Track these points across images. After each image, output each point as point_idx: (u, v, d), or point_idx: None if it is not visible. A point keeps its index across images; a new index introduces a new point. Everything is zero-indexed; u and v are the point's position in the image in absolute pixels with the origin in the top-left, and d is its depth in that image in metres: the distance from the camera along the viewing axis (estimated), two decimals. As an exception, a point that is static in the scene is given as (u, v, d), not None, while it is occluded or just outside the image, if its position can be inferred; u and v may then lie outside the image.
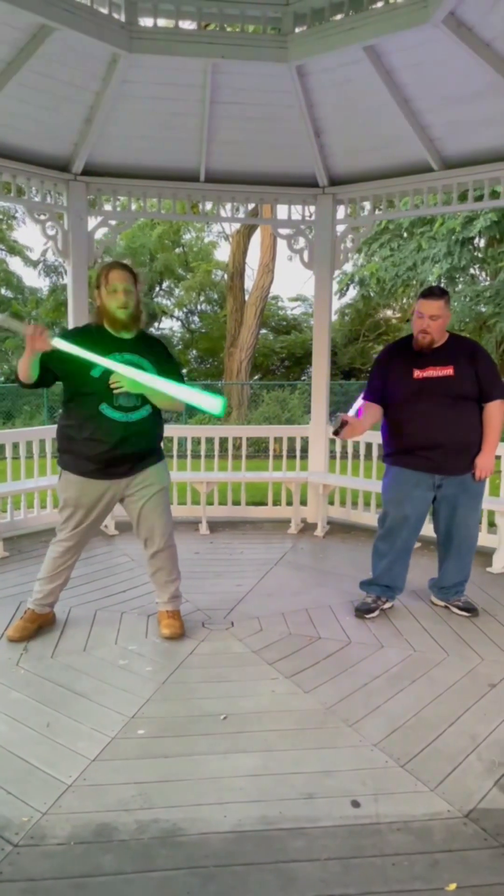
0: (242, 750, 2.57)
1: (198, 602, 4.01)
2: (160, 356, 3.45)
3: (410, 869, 1.98)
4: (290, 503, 5.90)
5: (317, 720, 2.79)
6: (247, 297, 17.28)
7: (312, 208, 5.74)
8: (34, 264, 21.72)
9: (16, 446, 5.41)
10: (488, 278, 15.05)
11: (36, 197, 5.20)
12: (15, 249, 21.40)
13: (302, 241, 5.83)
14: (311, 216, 5.78)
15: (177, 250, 22.96)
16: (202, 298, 23.98)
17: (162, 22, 4.31)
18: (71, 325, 5.19)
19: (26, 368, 3.19)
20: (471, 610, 3.89)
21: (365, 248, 14.76)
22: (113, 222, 5.70)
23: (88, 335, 3.31)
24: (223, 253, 23.11)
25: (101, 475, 3.35)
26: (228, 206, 5.80)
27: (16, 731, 2.66)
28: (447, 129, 4.85)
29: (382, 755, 2.54)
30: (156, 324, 22.42)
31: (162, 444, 3.64)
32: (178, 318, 24.41)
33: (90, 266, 5.63)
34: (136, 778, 2.39)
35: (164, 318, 23.63)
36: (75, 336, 3.33)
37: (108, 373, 3.21)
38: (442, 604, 4.01)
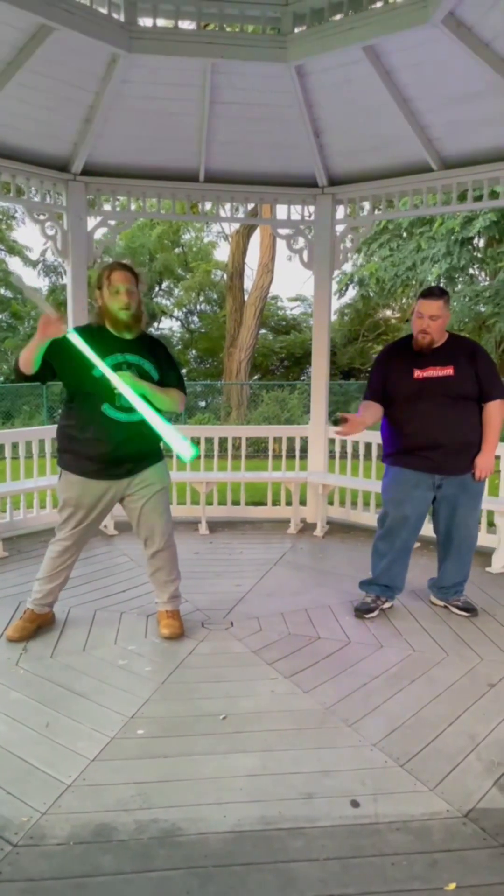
0: (242, 750, 2.57)
1: (197, 602, 4.02)
2: (161, 358, 3.45)
3: (409, 869, 1.98)
4: (289, 503, 5.90)
5: (316, 720, 2.79)
6: (246, 297, 17.29)
7: (312, 208, 5.74)
8: (33, 264, 21.72)
9: (15, 446, 5.41)
10: (488, 278, 15.06)
11: (35, 197, 5.20)
12: (14, 249, 21.39)
13: (301, 241, 5.83)
14: (310, 216, 5.78)
15: (176, 250, 22.97)
16: (201, 298, 23.99)
17: (161, 22, 4.31)
18: (70, 325, 5.18)
19: (31, 356, 3.12)
20: (470, 610, 3.90)
21: (364, 248, 14.76)
22: (112, 222, 5.70)
23: (90, 335, 3.31)
24: (222, 253, 23.14)
25: (101, 475, 3.35)
26: (228, 206, 5.80)
27: (15, 731, 2.66)
28: (446, 129, 4.85)
29: (382, 755, 2.54)
30: (155, 324, 22.43)
31: (162, 445, 3.64)
32: (177, 318, 24.43)
33: (89, 266, 5.63)
34: (136, 778, 2.39)
35: (163, 318, 23.64)
36: (78, 335, 3.33)
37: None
38: (441, 604, 4.01)
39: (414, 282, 14.19)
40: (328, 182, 5.59)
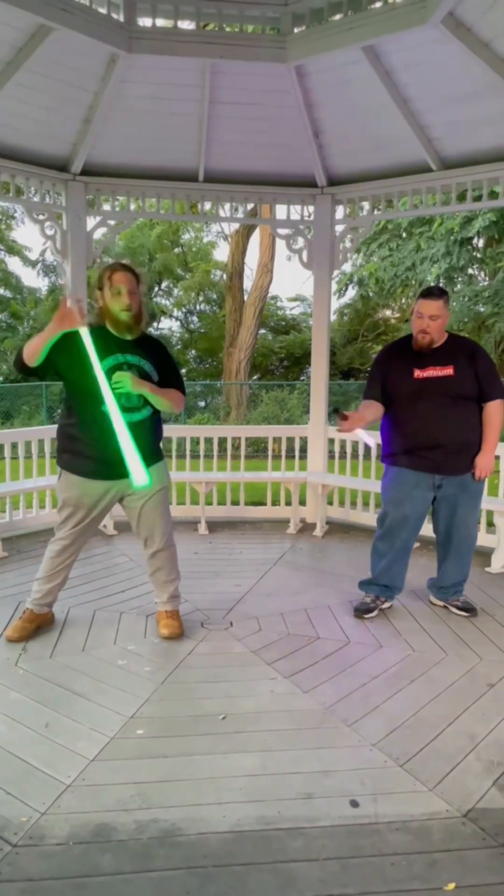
0: (241, 750, 2.57)
1: (197, 602, 4.02)
2: (161, 358, 3.45)
3: (409, 869, 1.98)
4: (288, 503, 5.90)
5: (315, 720, 2.79)
6: (246, 297, 17.28)
7: (311, 208, 5.74)
8: (33, 264, 21.74)
9: (14, 446, 5.41)
10: (487, 278, 15.07)
11: (35, 197, 5.20)
12: (14, 249, 21.40)
13: (301, 241, 5.83)
14: (309, 216, 5.77)
15: (176, 250, 22.98)
16: (201, 298, 24.00)
17: (160, 22, 4.31)
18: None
19: (40, 346, 3.09)
20: (469, 610, 3.90)
21: (364, 248, 14.76)
22: (112, 222, 5.70)
23: (91, 335, 3.30)
24: (222, 253, 23.15)
25: (101, 475, 3.35)
26: (227, 206, 5.80)
27: (15, 731, 2.66)
28: (446, 129, 4.85)
29: (381, 755, 2.54)
30: (155, 324, 22.43)
31: (161, 444, 3.64)
32: (177, 318, 24.43)
33: (89, 266, 5.62)
34: (135, 778, 2.39)
35: (163, 318, 23.64)
36: (79, 336, 3.32)
37: (110, 373, 3.21)
38: (441, 604, 4.01)
39: (413, 282, 14.19)
40: (328, 182, 5.59)
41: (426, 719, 2.79)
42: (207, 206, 5.69)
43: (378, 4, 3.99)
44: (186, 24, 4.42)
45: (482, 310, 13.92)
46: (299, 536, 5.58)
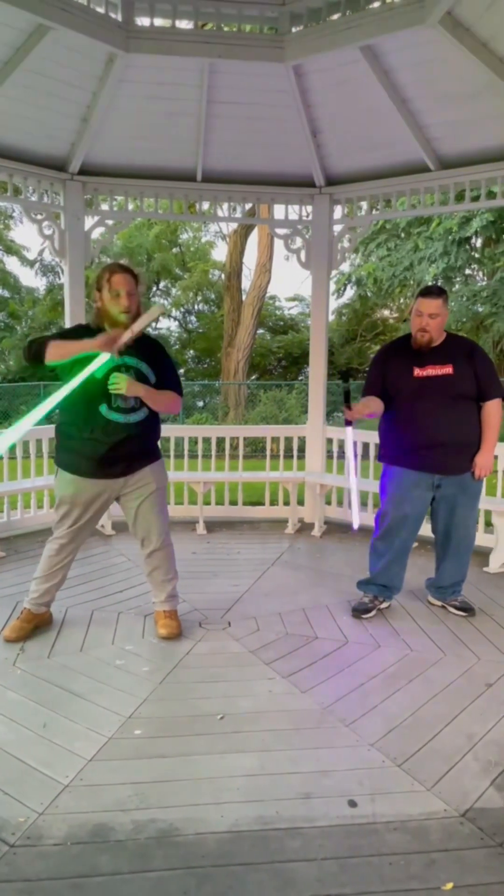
0: (239, 750, 2.57)
1: (195, 602, 4.01)
2: (159, 359, 3.44)
3: (407, 868, 1.98)
4: (287, 503, 5.90)
5: (314, 720, 2.79)
6: (244, 297, 17.28)
7: (309, 208, 5.74)
8: (31, 264, 21.72)
9: (12, 446, 5.39)
10: (485, 278, 15.08)
11: (33, 196, 5.20)
12: (12, 249, 21.38)
13: (299, 241, 5.83)
14: (308, 216, 5.77)
15: (174, 250, 22.97)
16: (199, 298, 23.99)
17: (159, 21, 4.30)
18: (68, 325, 5.18)
19: (68, 354, 3.10)
20: (468, 610, 3.90)
21: (362, 248, 14.78)
22: (110, 222, 5.70)
23: (89, 335, 3.30)
24: (220, 253, 23.15)
25: (96, 474, 3.35)
26: (225, 205, 5.80)
27: (12, 731, 2.66)
28: (444, 129, 4.85)
29: (379, 755, 2.54)
30: (153, 323, 22.39)
31: (159, 444, 3.64)
32: (175, 318, 24.42)
33: (87, 266, 5.62)
34: (133, 778, 2.38)
35: (161, 318, 23.62)
36: (77, 336, 3.32)
37: (108, 373, 3.21)
38: (439, 603, 4.01)
39: (411, 282, 14.22)
40: (326, 182, 5.59)
41: (424, 719, 2.79)
42: (205, 205, 5.68)
43: (376, 4, 3.99)
44: (184, 24, 4.41)
45: (480, 310, 13.94)
46: (297, 536, 5.58)
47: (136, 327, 3.16)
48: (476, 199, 5.12)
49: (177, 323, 24.37)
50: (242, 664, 3.29)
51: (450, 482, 3.70)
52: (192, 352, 23.69)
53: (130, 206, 5.61)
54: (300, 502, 5.94)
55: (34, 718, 2.74)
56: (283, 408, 15.54)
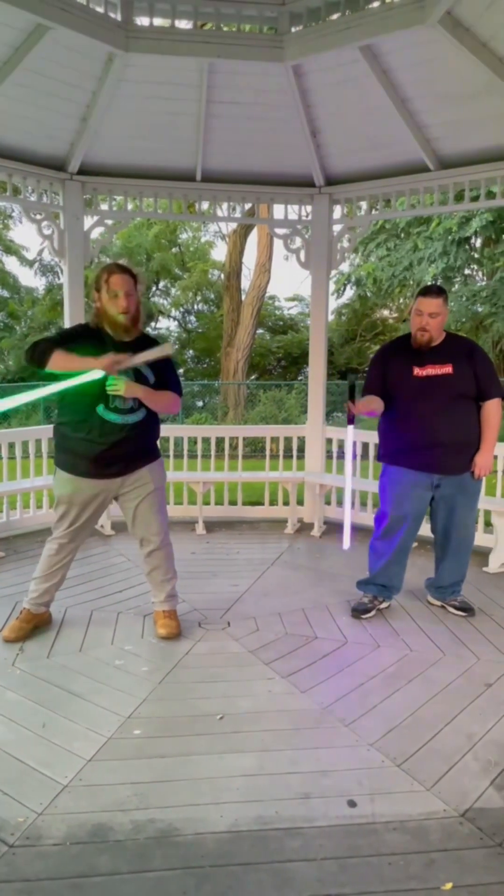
0: (239, 750, 2.57)
1: (194, 602, 4.01)
2: (158, 359, 3.44)
3: (406, 868, 1.98)
4: (286, 503, 5.90)
5: (313, 720, 2.79)
6: (243, 297, 17.27)
7: (309, 208, 5.74)
8: (30, 264, 21.71)
9: (12, 446, 5.40)
10: (485, 278, 15.09)
11: (32, 196, 5.19)
12: (11, 249, 21.37)
13: (298, 241, 5.83)
14: (307, 216, 5.77)
15: (173, 250, 22.96)
16: (199, 298, 23.98)
17: (158, 21, 4.30)
18: (67, 325, 5.18)
19: (70, 367, 3.11)
20: (467, 610, 3.90)
21: (361, 248, 14.78)
22: (109, 222, 5.69)
23: (89, 337, 3.30)
24: (220, 253, 23.14)
25: (92, 474, 3.36)
26: (225, 205, 5.80)
27: (12, 731, 2.66)
28: (444, 129, 4.85)
29: (379, 755, 2.54)
30: (152, 323, 22.42)
31: (158, 444, 3.64)
32: (174, 318, 24.41)
33: (86, 266, 5.62)
34: (132, 778, 2.38)
35: (160, 318, 23.63)
36: (78, 336, 3.33)
37: (106, 374, 3.21)
38: (438, 603, 4.01)
39: (411, 282, 14.22)
40: (325, 182, 5.59)
41: (424, 719, 2.79)
42: (205, 205, 5.68)
43: (376, 4, 3.99)
44: (184, 24, 4.41)
45: (480, 310, 13.94)
46: (297, 536, 5.58)
47: (140, 358, 3.21)
48: (475, 199, 5.13)
49: (176, 323, 24.39)
50: (242, 664, 3.28)
51: (449, 482, 3.70)
52: (191, 352, 23.67)
53: (130, 206, 5.63)
54: (300, 502, 5.94)
55: (33, 718, 2.74)
56: (283, 408, 15.54)
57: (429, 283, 11.70)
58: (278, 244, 16.08)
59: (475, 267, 15.01)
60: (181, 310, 24.21)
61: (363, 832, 2.13)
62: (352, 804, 2.26)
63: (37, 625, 3.57)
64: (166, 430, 5.47)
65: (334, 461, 5.92)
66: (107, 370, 3.12)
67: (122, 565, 4.68)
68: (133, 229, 20.37)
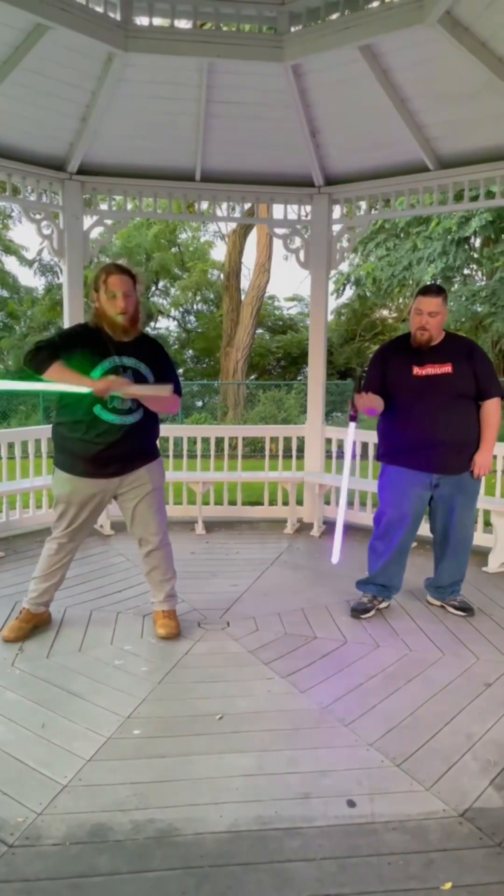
0: (238, 750, 2.57)
1: (194, 602, 4.01)
2: (158, 359, 3.44)
3: (406, 868, 1.98)
4: (286, 503, 5.90)
5: (312, 720, 2.79)
6: (243, 297, 17.28)
7: (308, 208, 5.74)
8: (30, 263, 21.71)
9: (11, 446, 5.40)
10: (484, 278, 15.09)
11: (31, 196, 5.19)
12: (10, 249, 21.37)
13: (298, 241, 5.83)
14: (307, 216, 5.77)
15: (173, 250, 22.96)
16: (198, 298, 23.99)
17: (157, 21, 4.30)
18: (67, 325, 5.18)
19: (64, 381, 3.16)
20: (467, 609, 3.90)
21: (361, 248, 14.78)
22: (109, 222, 5.69)
23: (88, 338, 3.30)
24: (219, 252, 23.14)
25: (90, 474, 3.36)
26: (224, 205, 5.80)
27: (11, 731, 2.66)
28: (443, 129, 4.85)
29: (378, 755, 2.54)
30: (152, 323, 22.42)
31: (158, 444, 3.64)
32: (174, 318, 24.41)
33: (86, 266, 5.62)
34: (132, 778, 2.38)
35: (160, 318, 23.63)
36: (77, 337, 3.32)
37: (104, 375, 3.21)
38: (438, 603, 4.01)
39: (410, 281, 14.23)
40: (325, 182, 5.59)
41: (423, 719, 2.79)
42: (204, 205, 5.68)
43: (375, 4, 3.99)
44: (183, 24, 4.41)
45: (479, 310, 13.95)
46: (296, 536, 5.58)
47: (136, 390, 3.22)
48: (475, 198, 5.12)
49: (176, 323, 24.39)
50: (241, 664, 3.28)
51: (448, 482, 3.70)
52: (190, 352, 23.68)
53: (129, 206, 5.63)
54: (299, 502, 5.94)
55: (33, 718, 2.74)
56: (282, 408, 15.55)
57: (428, 283, 11.71)
58: (278, 244, 16.09)
59: (474, 267, 15.02)
60: (181, 310, 24.22)
61: (362, 832, 2.13)
62: (351, 804, 2.26)
63: (36, 625, 3.57)
64: (166, 429, 5.47)
65: (333, 461, 5.92)
66: (100, 393, 3.15)
67: (121, 565, 4.68)
68: (132, 229, 20.38)
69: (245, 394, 16.93)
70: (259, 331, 20.63)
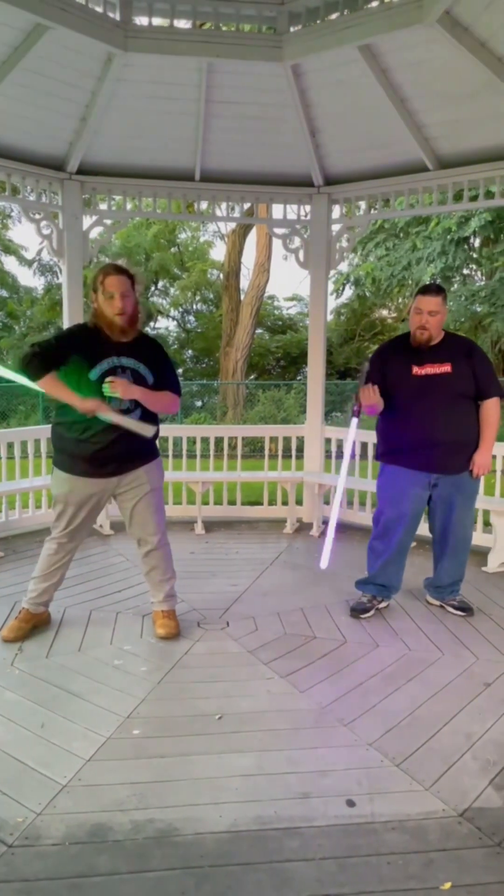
0: (238, 750, 2.57)
1: (193, 602, 4.01)
2: (157, 360, 3.44)
3: (405, 868, 1.98)
4: (285, 503, 5.90)
5: (312, 720, 2.79)
6: (242, 297, 17.28)
7: (308, 208, 5.74)
8: (29, 263, 21.72)
9: (10, 446, 5.39)
10: (483, 278, 15.09)
11: (31, 196, 5.19)
12: (10, 248, 21.37)
13: (297, 241, 5.83)
14: (306, 216, 5.77)
15: (172, 250, 22.96)
16: (198, 298, 23.99)
17: (157, 21, 4.30)
18: (66, 325, 5.17)
19: (56, 395, 3.23)
20: (466, 609, 3.90)
21: (360, 248, 14.78)
22: (108, 222, 5.69)
23: (87, 338, 3.30)
24: (219, 252, 23.15)
25: (88, 474, 3.36)
26: (224, 205, 5.79)
27: (10, 731, 2.66)
28: (443, 129, 4.85)
29: (377, 754, 2.54)
30: (152, 323, 22.42)
31: (158, 444, 3.64)
32: (173, 318, 24.41)
33: (85, 265, 5.61)
34: (131, 778, 2.38)
35: (159, 318, 23.63)
36: (74, 338, 3.32)
37: (103, 375, 3.21)
38: (437, 603, 4.01)
39: (410, 281, 14.22)
40: (324, 181, 5.59)
41: (422, 719, 2.79)
42: (204, 205, 5.68)
43: (374, 3, 3.99)
44: (183, 24, 4.41)
45: (479, 309, 13.95)
46: (296, 536, 5.58)
47: (121, 420, 3.23)
48: (474, 198, 5.13)
49: (175, 323, 24.39)
50: (241, 664, 3.28)
51: (446, 481, 3.70)
52: (190, 351, 23.68)
53: (129, 206, 5.64)
54: (298, 502, 5.94)
55: (32, 718, 2.74)
56: (282, 407, 15.55)
57: (427, 283, 11.72)
58: (277, 244, 16.08)
59: (474, 267, 15.02)
60: (180, 310, 24.22)
61: (362, 832, 2.13)
62: (350, 804, 2.26)
63: (36, 624, 3.57)
64: (165, 429, 5.46)
65: (333, 461, 5.92)
66: (85, 411, 3.18)
67: (120, 565, 4.68)
68: (132, 229, 20.39)
69: (244, 394, 16.94)
70: (258, 331, 20.64)
